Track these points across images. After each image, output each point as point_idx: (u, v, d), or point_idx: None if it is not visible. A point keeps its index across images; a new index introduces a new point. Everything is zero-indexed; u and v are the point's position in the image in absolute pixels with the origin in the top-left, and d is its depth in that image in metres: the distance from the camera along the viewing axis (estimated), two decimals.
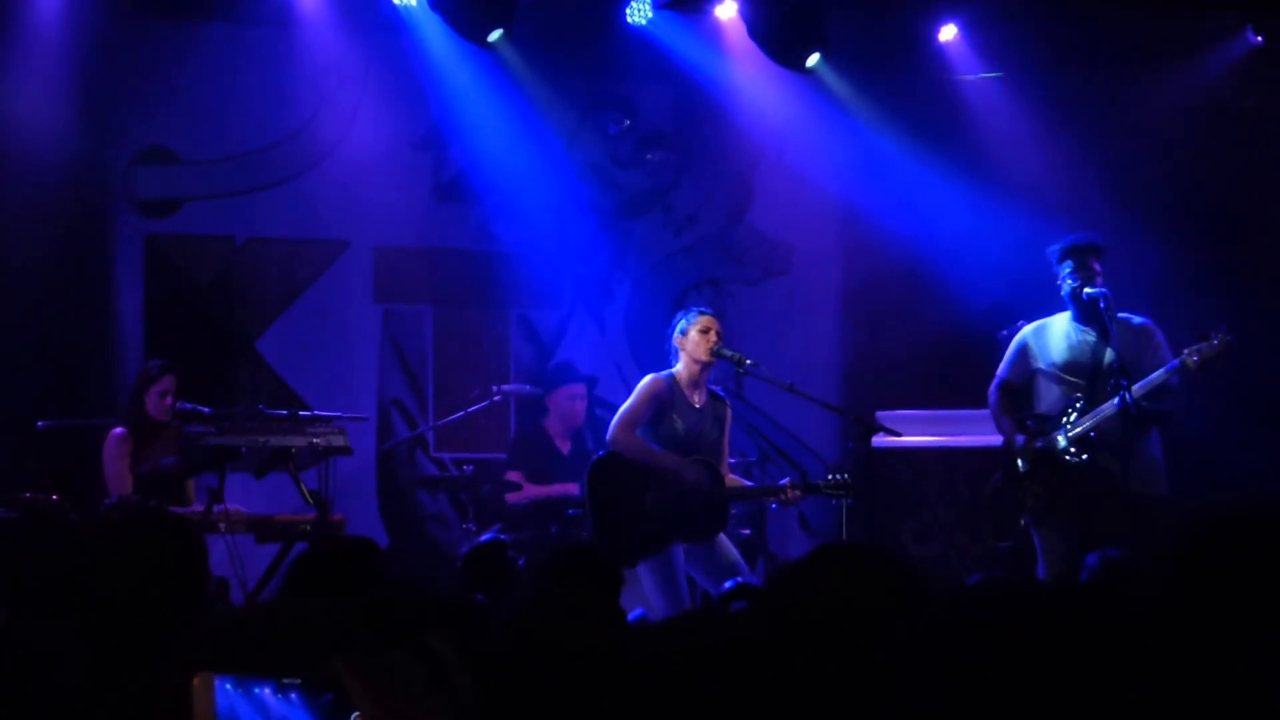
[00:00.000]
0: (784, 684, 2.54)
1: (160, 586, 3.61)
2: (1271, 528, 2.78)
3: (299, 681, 1.95)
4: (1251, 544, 2.75)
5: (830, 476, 8.99)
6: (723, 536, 8.99)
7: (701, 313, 9.06)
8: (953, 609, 1.76)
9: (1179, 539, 2.88)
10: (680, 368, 8.97)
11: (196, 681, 1.94)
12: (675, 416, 8.88)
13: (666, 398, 8.88)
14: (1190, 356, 8.44)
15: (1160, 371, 8.50)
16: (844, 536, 9.38)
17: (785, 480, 9.05)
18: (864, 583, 2.99)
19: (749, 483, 9.44)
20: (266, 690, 1.93)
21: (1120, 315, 8.71)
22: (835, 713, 2.58)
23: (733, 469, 9.62)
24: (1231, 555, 2.74)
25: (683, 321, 9.02)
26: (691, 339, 8.94)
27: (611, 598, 5.49)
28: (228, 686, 1.92)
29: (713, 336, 8.94)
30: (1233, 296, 11.42)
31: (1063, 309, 8.93)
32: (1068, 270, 8.74)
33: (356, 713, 1.93)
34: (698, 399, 8.98)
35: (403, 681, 1.92)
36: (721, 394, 9.22)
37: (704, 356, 8.91)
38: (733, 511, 10.41)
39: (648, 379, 8.98)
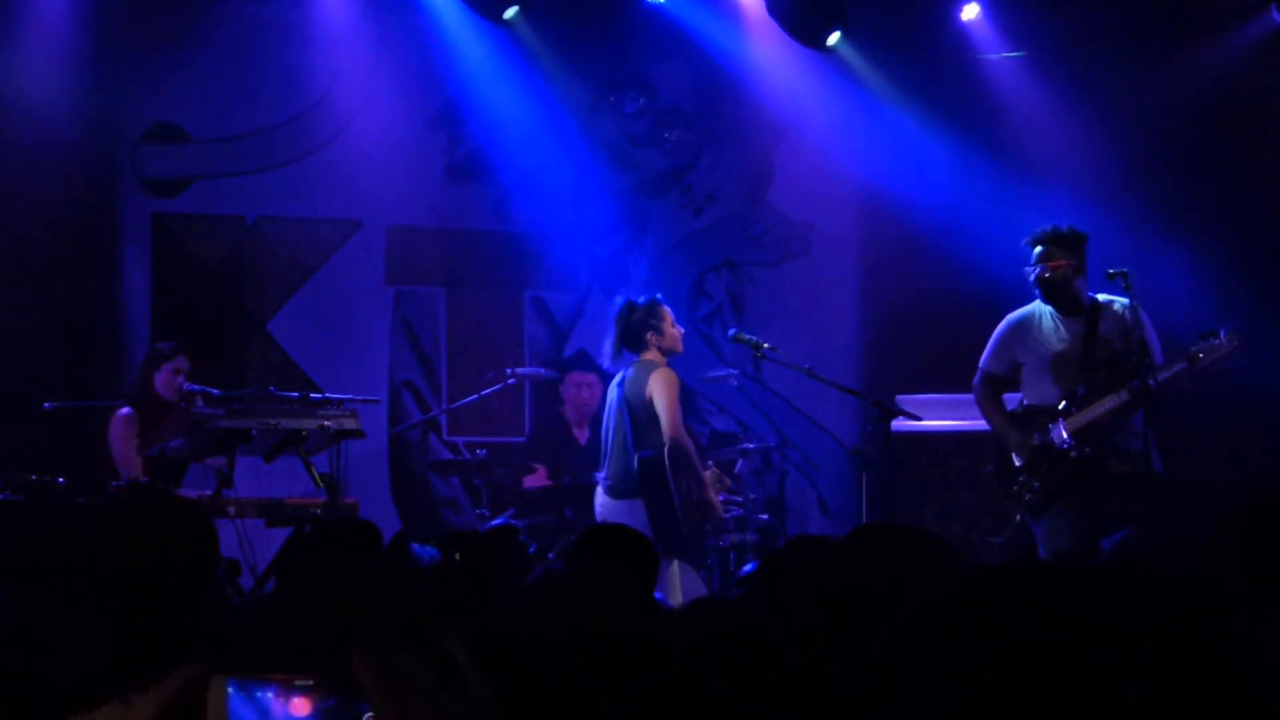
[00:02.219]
0: (808, 669, 2.51)
1: (168, 569, 3.51)
2: None
3: (308, 684, 1.86)
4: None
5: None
6: None
7: (663, 304, 9.06)
8: (955, 597, 1.69)
9: (1217, 527, 2.82)
10: (654, 357, 8.93)
11: (211, 686, 1.87)
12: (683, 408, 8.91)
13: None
14: (1198, 353, 8.33)
15: (1173, 368, 8.39)
16: (864, 520, 9.29)
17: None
18: (897, 564, 2.95)
19: None
20: (270, 694, 1.85)
21: (1101, 298, 8.67)
22: (858, 698, 2.52)
23: (750, 454, 9.61)
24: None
25: (653, 318, 8.97)
26: (670, 335, 8.98)
27: (647, 581, 5.41)
28: (230, 690, 1.85)
29: (670, 319, 9.01)
30: (1254, 278, 11.35)
31: (1036, 297, 8.87)
32: (1037, 258, 8.65)
33: (370, 715, 1.84)
34: None
35: (414, 680, 1.81)
36: None
37: (669, 343, 9.00)
38: (752, 496, 10.41)
39: (667, 373, 8.93)
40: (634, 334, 8.94)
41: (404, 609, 3.39)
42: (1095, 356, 8.53)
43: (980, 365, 8.98)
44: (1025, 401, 8.84)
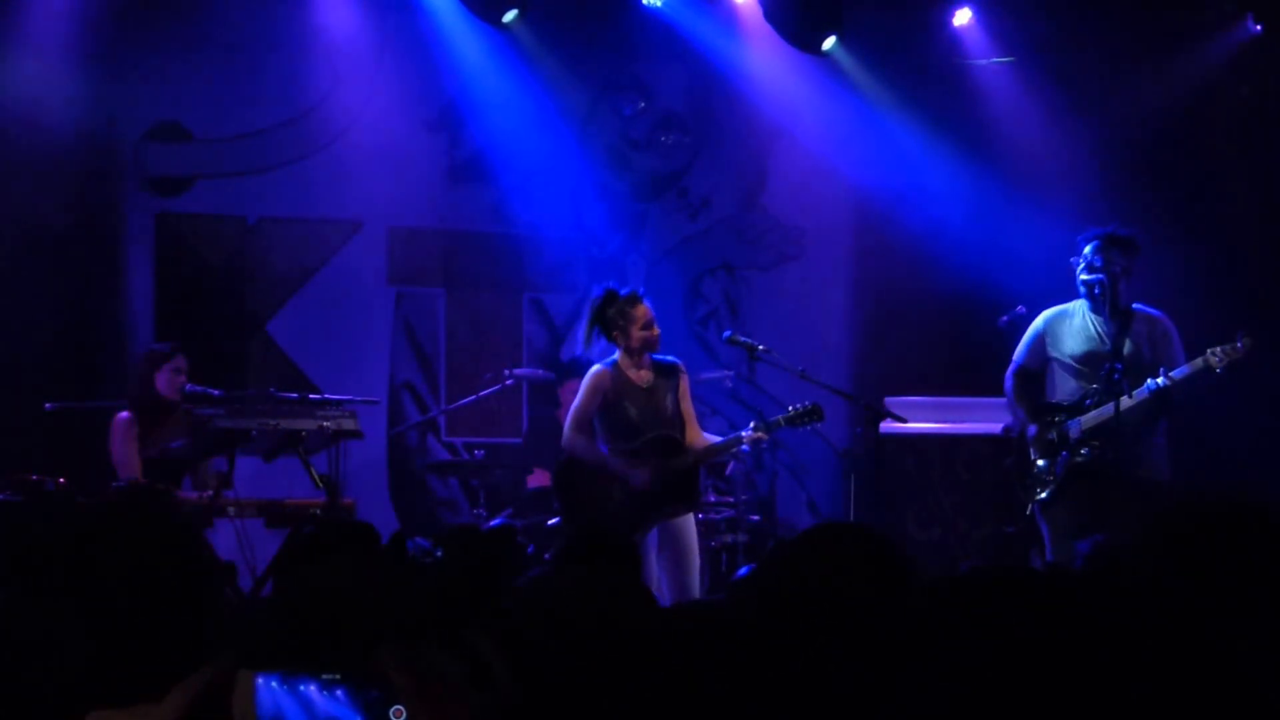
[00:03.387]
0: (779, 665, 2.54)
1: (154, 571, 3.59)
2: (1260, 519, 2.80)
3: (340, 677, 1.95)
4: (1241, 535, 2.78)
5: (790, 409, 8.93)
6: (687, 525, 8.86)
7: (635, 301, 8.85)
8: (942, 602, 1.75)
9: (1171, 527, 2.89)
10: (620, 354, 8.85)
11: (238, 682, 1.95)
12: (625, 404, 8.77)
13: (610, 388, 8.75)
14: (1213, 357, 8.35)
15: (1187, 368, 8.41)
16: (851, 519, 9.36)
17: (748, 427, 8.96)
18: (855, 562, 3.00)
19: (717, 439, 9.28)
20: (312, 687, 1.93)
21: (1137, 307, 8.69)
22: (830, 693, 2.58)
23: (742, 456, 9.57)
24: (1221, 546, 2.76)
25: (621, 317, 8.80)
26: (635, 337, 8.79)
27: (635, 578, 5.48)
28: (273, 684, 1.92)
29: (640, 321, 8.77)
30: (1231, 284, 11.40)
31: (1079, 296, 8.85)
32: (1084, 256, 8.67)
33: (397, 707, 1.92)
34: (644, 379, 8.84)
35: (445, 677, 1.90)
36: (673, 361, 9.01)
37: (635, 344, 8.78)
38: (743, 498, 10.42)
39: (590, 373, 8.83)
40: (605, 327, 8.84)
41: (404, 609, 3.47)
42: (1122, 360, 8.51)
43: (1014, 359, 8.98)
44: (1050, 398, 8.85)
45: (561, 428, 11.03)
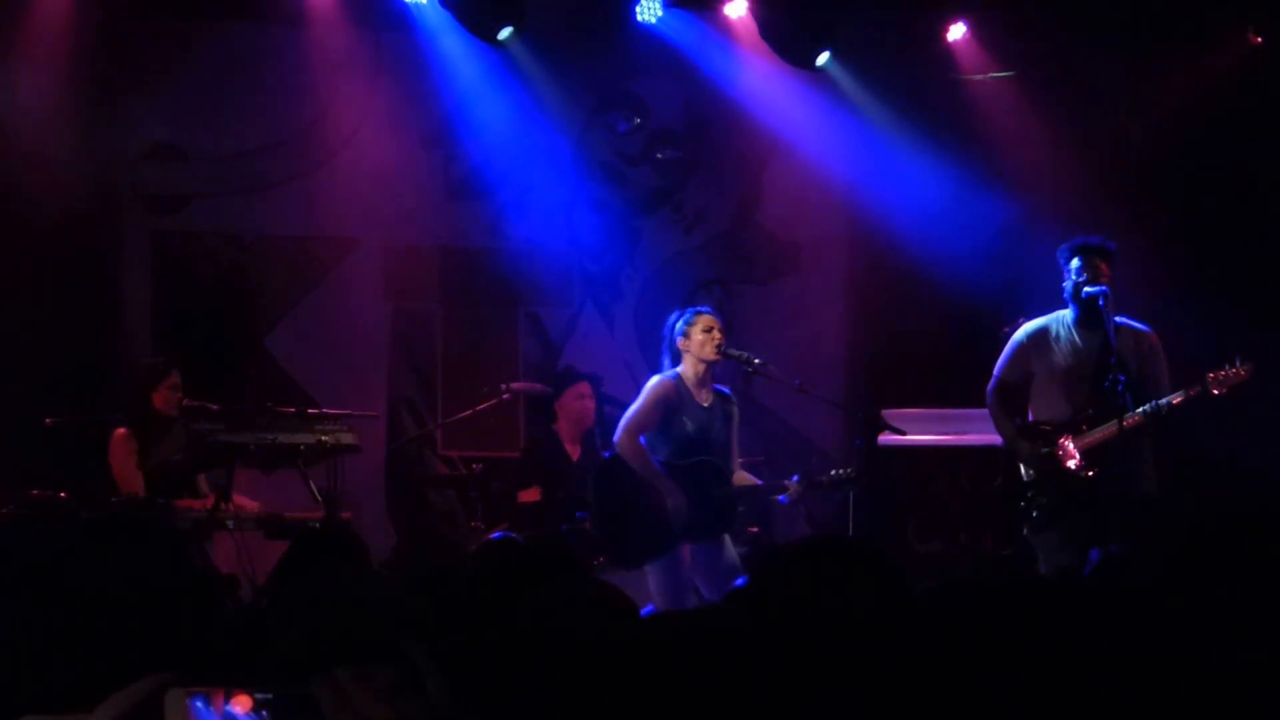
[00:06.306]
0: (768, 673, 2.56)
1: (142, 587, 3.62)
2: (1263, 530, 2.82)
3: (269, 697, 1.95)
4: (1244, 546, 2.79)
5: (833, 472, 9.01)
6: (727, 540, 8.99)
7: (699, 313, 9.05)
8: (936, 609, 1.78)
9: (1173, 538, 2.90)
10: (685, 368, 8.95)
11: (168, 697, 1.95)
12: (685, 418, 8.86)
13: (674, 400, 8.86)
14: (1212, 386, 8.33)
15: (1182, 394, 8.39)
16: (850, 533, 9.39)
17: (794, 478, 9.06)
18: (845, 574, 3.02)
19: (759, 481, 9.42)
20: (236, 708, 1.94)
21: (1121, 320, 8.61)
22: (818, 699, 2.59)
23: (741, 468, 9.63)
24: (1224, 556, 2.77)
25: (680, 323, 9.00)
26: (695, 340, 8.93)
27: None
28: (198, 704, 1.93)
29: (716, 335, 8.94)
30: (1231, 295, 11.42)
31: (1062, 308, 8.82)
32: (1074, 269, 8.64)
33: None
34: (705, 398, 8.96)
35: (373, 687, 1.91)
36: (728, 392, 9.18)
37: (710, 356, 8.90)
38: (742, 509, 10.44)
39: (655, 382, 8.95)
40: (672, 346, 9.02)
41: (387, 620, 3.49)
42: (1107, 376, 8.38)
43: (994, 373, 8.92)
44: (1033, 415, 8.79)
45: (560, 441, 11.12)
